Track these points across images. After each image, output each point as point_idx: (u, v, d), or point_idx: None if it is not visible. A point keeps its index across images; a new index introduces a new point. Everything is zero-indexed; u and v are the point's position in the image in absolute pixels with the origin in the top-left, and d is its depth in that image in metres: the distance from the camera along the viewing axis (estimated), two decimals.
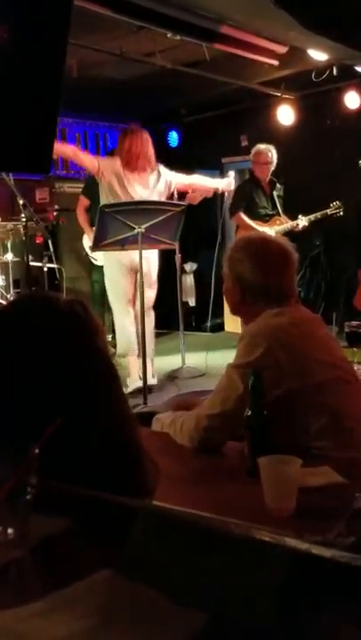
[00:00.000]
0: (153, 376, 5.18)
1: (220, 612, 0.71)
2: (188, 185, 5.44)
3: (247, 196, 6.34)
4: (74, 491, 0.93)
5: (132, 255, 4.85)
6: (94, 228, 4.74)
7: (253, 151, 6.47)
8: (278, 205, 6.45)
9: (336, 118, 7.47)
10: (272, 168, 6.40)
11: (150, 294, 5.10)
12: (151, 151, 5.07)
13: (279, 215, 6.41)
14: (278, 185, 6.52)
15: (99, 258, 6.22)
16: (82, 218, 6.23)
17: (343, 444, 1.90)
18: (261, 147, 6.43)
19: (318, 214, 6.41)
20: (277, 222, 6.35)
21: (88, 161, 5.19)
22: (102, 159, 5.25)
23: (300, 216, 6.36)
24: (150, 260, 5.06)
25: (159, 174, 5.12)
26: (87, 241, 6.26)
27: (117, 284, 5.09)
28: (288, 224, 6.32)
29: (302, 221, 6.33)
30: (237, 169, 8.42)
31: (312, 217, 6.38)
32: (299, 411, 1.94)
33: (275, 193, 6.46)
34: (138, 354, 5.01)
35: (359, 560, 0.68)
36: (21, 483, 0.86)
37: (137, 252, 4.75)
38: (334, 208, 6.47)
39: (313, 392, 1.94)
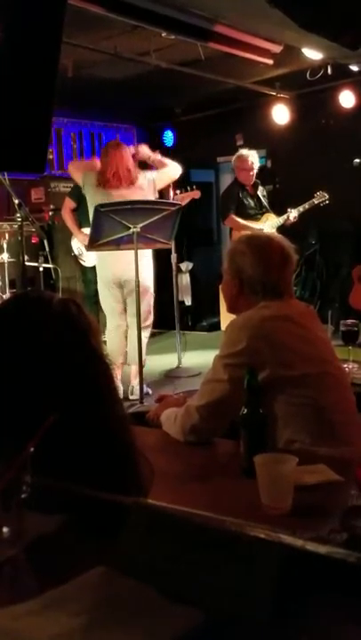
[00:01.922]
0: (132, 392, 5.06)
1: (216, 608, 0.71)
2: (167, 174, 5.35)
3: (236, 199, 6.43)
4: (68, 489, 0.93)
5: (116, 270, 4.91)
6: (90, 228, 4.73)
7: (236, 157, 6.50)
8: (265, 203, 6.49)
9: (331, 117, 7.48)
10: (255, 172, 6.44)
11: (143, 306, 4.95)
12: (129, 167, 5.01)
13: (268, 212, 6.46)
14: (261, 187, 6.56)
15: (88, 260, 6.21)
16: (69, 219, 6.24)
17: (329, 438, 1.93)
18: (243, 153, 6.47)
19: (306, 205, 6.43)
20: (269, 218, 6.40)
21: (75, 172, 5.32)
22: (87, 176, 5.20)
23: (288, 209, 6.40)
24: (141, 268, 4.93)
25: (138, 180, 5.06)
26: (76, 242, 6.27)
27: (105, 299, 5.12)
28: (280, 218, 6.38)
29: (292, 213, 6.36)
30: (233, 168, 8.44)
31: (300, 208, 6.42)
32: (281, 401, 1.96)
33: (259, 193, 6.52)
34: (123, 363, 5.08)
35: (353, 556, 0.68)
36: (15, 481, 0.86)
37: (123, 265, 4.82)
38: (320, 197, 6.48)
39: (295, 384, 1.97)
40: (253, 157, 6.42)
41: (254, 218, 6.40)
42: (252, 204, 6.47)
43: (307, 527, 1.31)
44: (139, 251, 4.79)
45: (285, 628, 0.70)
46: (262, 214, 6.46)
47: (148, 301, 5.08)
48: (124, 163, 4.98)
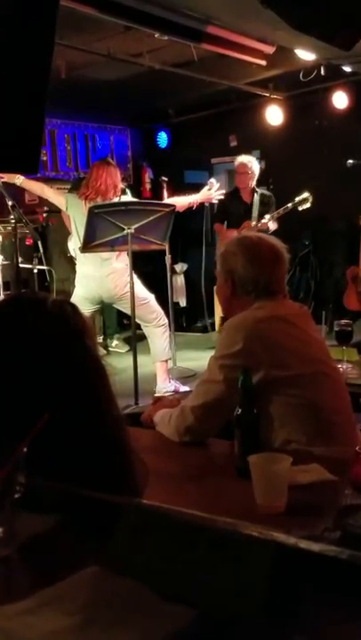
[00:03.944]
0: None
1: (210, 607, 0.71)
2: None
3: (224, 207, 6.54)
4: (62, 489, 0.93)
5: (95, 287, 5.02)
6: (84, 229, 4.74)
7: (235, 162, 6.59)
8: (254, 211, 6.48)
9: (324, 118, 7.49)
10: (251, 178, 6.49)
11: (145, 314, 5.05)
12: (114, 183, 5.08)
13: (249, 220, 6.44)
14: (258, 193, 6.56)
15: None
16: (68, 219, 6.25)
17: (325, 438, 1.94)
18: (240, 157, 6.59)
19: (281, 210, 6.38)
20: (246, 226, 6.39)
21: (55, 197, 5.43)
22: (70, 194, 5.35)
23: (265, 215, 6.40)
24: (123, 287, 4.98)
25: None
26: (72, 243, 6.26)
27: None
28: (255, 226, 6.36)
29: (267, 219, 6.34)
30: (226, 169, 8.46)
31: (275, 214, 6.38)
32: (277, 402, 1.96)
33: (255, 200, 6.52)
34: None
35: (345, 554, 0.68)
36: (9, 481, 0.86)
37: (102, 284, 4.97)
38: (300, 200, 6.36)
39: (291, 384, 1.98)
40: (249, 161, 6.48)
41: (236, 225, 6.44)
42: (239, 210, 6.50)
43: (301, 526, 1.32)
44: (119, 269, 4.95)
45: (280, 627, 0.70)
46: (244, 221, 6.47)
47: (147, 308, 5.09)
48: (112, 179, 5.04)
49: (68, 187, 6.77)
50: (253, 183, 6.57)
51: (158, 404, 2.37)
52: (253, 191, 6.56)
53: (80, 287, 5.18)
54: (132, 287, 4.69)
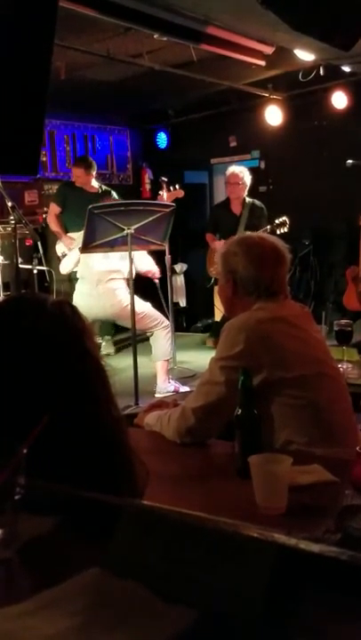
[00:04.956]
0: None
1: (210, 608, 0.71)
2: None
3: (215, 218, 6.62)
4: (63, 490, 0.93)
5: (93, 304, 5.05)
6: (83, 230, 4.74)
7: (226, 171, 6.62)
8: (241, 224, 6.43)
9: (323, 118, 7.50)
10: (242, 189, 6.46)
11: (145, 326, 5.11)
12: None
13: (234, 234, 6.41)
14: (248, 203, 6.51)
15: (64, 267, 6.11)
16: (54, 224, 6.31)
17: (326, 439, 1.94)
18: (231, 167, 6.60)
19: (260, 231, 6.28)
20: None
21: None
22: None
23: (246, 233, 6.37)
24: (123, 303, 5.01)
25: None
26: (61, 247, 6.28)
27: None
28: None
29: None
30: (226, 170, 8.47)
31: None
32: (278, 403, 1.96)
33: (245, 212, 6.47)
34: None
35: (346, 554, 0.68)
36: (9, 483, 0.86)
37: (99, 302, 5.04)
38: (279, 223, 6.32)
39: (292, 385, 1.97)
40: (241, 172, 6.46)
41: (225, 237, 6.44)
42: (228, 222, 6.48)
43: (302, 527, 1.32)
44: (114, 288, 5.04)
45: (280, 628, 0.70)
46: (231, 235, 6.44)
47: (146, 319, 5.13)
48: None
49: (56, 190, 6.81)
50: (245, 194, 6.52)
51: (149, 405, 2.38)
52: (244, 202, 6.51)
53: (80, 300, 5.21)
54: (132, 289, 4.70)
